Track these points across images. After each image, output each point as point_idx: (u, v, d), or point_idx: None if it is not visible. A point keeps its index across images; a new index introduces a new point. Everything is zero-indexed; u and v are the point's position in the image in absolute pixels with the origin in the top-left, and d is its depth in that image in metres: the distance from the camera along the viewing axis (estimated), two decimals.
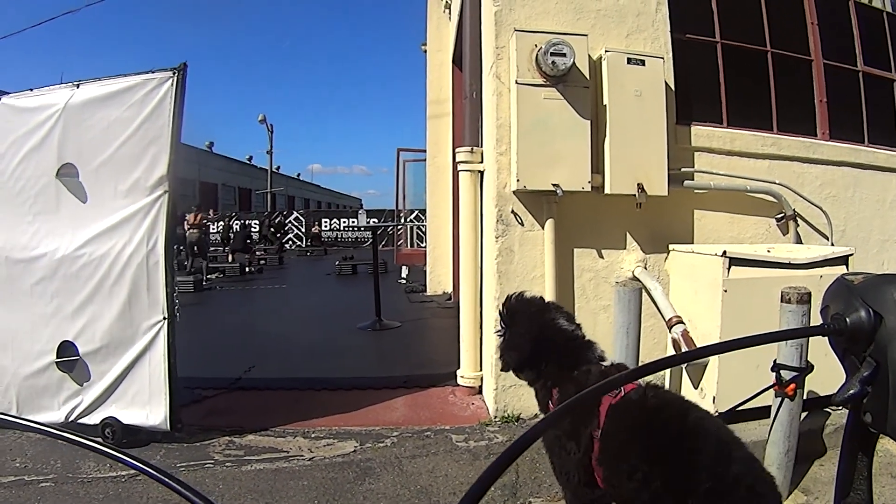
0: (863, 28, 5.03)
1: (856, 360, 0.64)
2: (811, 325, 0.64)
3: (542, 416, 3.71)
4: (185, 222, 12.85)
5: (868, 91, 4.97)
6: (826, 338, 0.68)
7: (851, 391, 0.62)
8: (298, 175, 48.50)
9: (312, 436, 3.63)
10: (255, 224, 23.85)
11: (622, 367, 2.01)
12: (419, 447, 3.45)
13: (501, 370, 2.16)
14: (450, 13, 8.24)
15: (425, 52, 9.59)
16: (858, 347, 0.63)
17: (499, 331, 2.14)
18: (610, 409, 1.72)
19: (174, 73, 3.49)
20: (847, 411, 0.66)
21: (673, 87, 4.02)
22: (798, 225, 4.32)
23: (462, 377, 4.21)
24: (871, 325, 0.62)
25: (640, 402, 1.72)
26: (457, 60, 7.50)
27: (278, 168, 38.69)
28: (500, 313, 2.14)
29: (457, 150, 4.29)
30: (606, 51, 3.81)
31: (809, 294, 2.93)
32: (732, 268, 3.47)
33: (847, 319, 0.63)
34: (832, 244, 4.32)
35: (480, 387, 4.16)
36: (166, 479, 0.60)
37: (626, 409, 1.71)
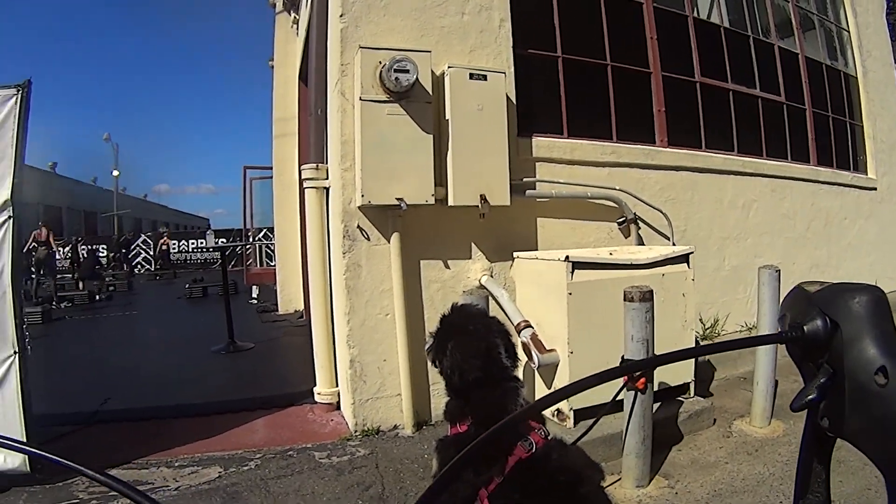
0: (701, 42, 5.37)
1: (813, 366, 0.65)
2: (766, 333, 0.62)
3: (396, 428, 3.70)
4: (32, 239, 12.04)
5: (705, 100, 5.32)
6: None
7: (809, 397, 0.63)
8: (145, 196, 46.08)
9: (176, 465, 3.52)
10: (104, 249, 22.79)
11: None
12: (283, 467, 3.43)
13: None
14: (297, 29, 8.22)
15: (272, 67, 9.49)
16: (815, 355, 0.64)
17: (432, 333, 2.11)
18: (518, 462, 1.68)
19: (18, 90, 3.29)
20: (806, 416, 0.67)
21: (514, 101, 4.20)
22: (640, 228, 4.56)
23: (319, 394, 4.21)
24: (827, 333, 0.62)
25: (542, 463, 1.70)
26: (303, 77, 7.48)
27: (124, 189, 36.89)
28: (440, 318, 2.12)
29: (302, 167, 4.26)
30: (449, 66, 3.92)
31: (651, 292, 3.07)
32: (576, 271, 3.57)
33: (804, 327, 0.64)
34: (673, 244, 4.61)
35: (338, 402, 4.18)
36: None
37: (529, 468, 1.68)
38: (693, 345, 3.96)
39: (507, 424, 0.65)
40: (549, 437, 1.80)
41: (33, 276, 11.86)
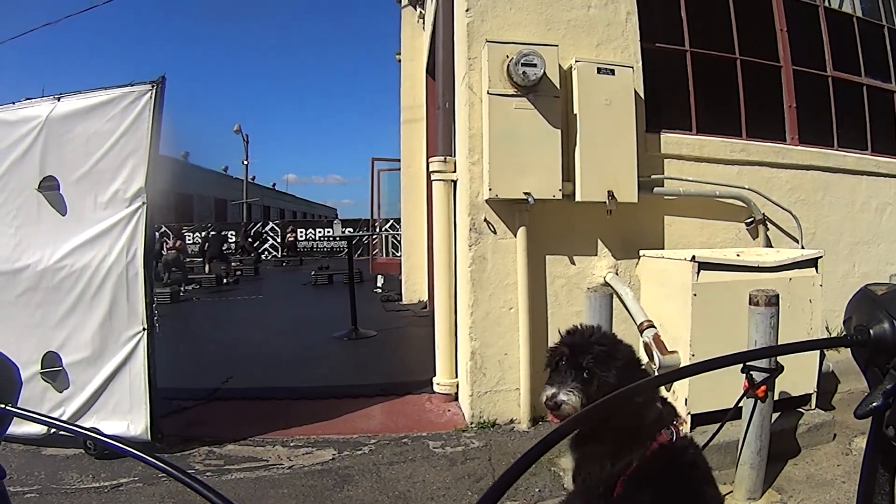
0: (833, 33, 5.14)
1: (879, 372, 0.63)
2: (833, 336, 0.62)
3: (512, 422, 3.73)
4: (165, 246, 12.80)
5: (837, 96, 5.12)
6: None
7: (874, 403, 0.60)
8: (274, 185, 47.99)
9: (291, 444, 3.69)
10: (232, 234, 23.65)
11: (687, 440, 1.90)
12: (397, 454, 3.53)
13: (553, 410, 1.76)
14: (423, 23, 8.37)
15: (399, 61, 9.69)
16: (882, 359, 0.62)
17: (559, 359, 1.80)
18: (660, 447, 1.73)
19: (153, 87, 3.55)
20: (870, 423, 0.65)
21: (642, 96, 4.15)
22: (768, 229, 4.43)
23: (438, 384, 4.32)
24: (894, 337, 0.61)
25: (679, 456, 1.74)
26: (430, 70, 7.61)
27: (254, 178, 38.45)
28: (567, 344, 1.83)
29: (430, 159, 4.37)
30: (577, 61, 3.91)
31: (777, 296, 2.99)
32: (702, 272, 3.51)
33: (870, 331, 0.63)
34: (802, 247, 4.42)
35: (456, 393, 4.27)
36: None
37: (666, 454, 1.72)
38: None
39: (622, 395, 0.69)
40: (685, 435, 1.82)
41: (162, 276, 12.55)
